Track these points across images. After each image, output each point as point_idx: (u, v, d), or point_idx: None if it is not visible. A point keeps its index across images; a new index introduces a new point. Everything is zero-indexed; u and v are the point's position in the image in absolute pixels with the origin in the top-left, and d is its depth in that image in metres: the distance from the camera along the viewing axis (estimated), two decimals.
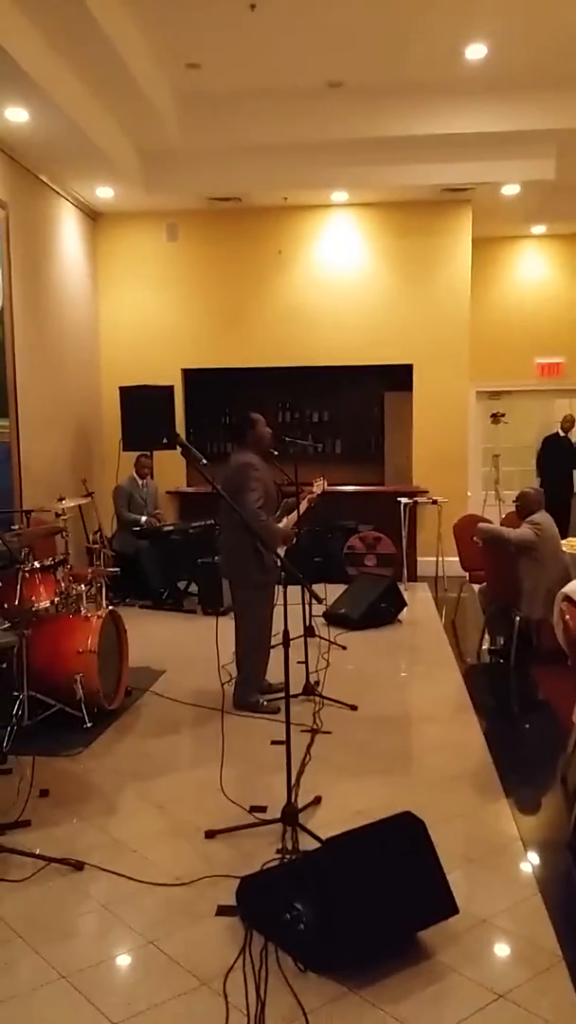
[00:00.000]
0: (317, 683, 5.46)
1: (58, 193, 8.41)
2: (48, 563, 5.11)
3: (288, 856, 3.35)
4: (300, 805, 3.67)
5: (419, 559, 9.42)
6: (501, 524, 7.22)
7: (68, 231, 8.78)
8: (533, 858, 3.46)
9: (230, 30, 6.49)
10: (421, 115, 7.84)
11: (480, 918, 2.98)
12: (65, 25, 5.70)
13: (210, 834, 3.59)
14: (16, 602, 4.77)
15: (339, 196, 9.28)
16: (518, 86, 7.55)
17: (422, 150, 8.21)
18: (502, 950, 2.85)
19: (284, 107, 7.80)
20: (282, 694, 3.78)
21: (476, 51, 6.95)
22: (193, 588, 8.30)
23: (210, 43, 6.72)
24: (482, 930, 2.92)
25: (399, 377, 9.80)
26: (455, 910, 2.87)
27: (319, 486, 5.80)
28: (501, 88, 7.58)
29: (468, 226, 9.45)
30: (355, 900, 2.71)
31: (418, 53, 6.98)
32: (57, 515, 5.84)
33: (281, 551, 5.06)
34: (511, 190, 8.92)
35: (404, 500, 9.04)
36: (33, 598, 4.95)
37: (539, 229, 10.69)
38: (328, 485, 5.99)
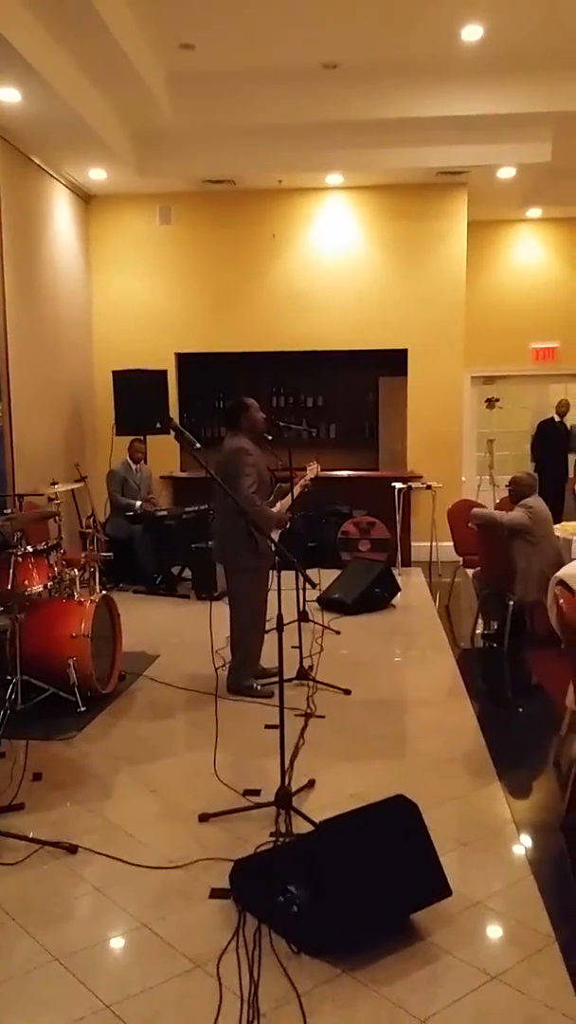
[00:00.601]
0: (311, 667, 5.46)
1: (51, 175, 8.33)
2: (41, 547, 5.10)
3: (282, 839, 3.36)
4: (294, 788, 3.68)
5: (413, 544, 9.43)
6: (495, 509, 7.22)
7: (61, 213, 8.72)
8: (526, 840, 3.47)
9: (224, 10, 6.41)
10: (417, 97, 7.77)
11: (473, 900, 2.99)
12: (58, 4, 5.62)
13: (204, 817, 3.59)
14: (9, 586, 4.75)
15: (334, 179, 9.22)
16: (515, 68, 7.48)
17: (418, 133, 8.15)
18: (495, 932, 2.86)
19: (279, 89, 7.72)
20: (276, 678, 3.78)
21: (472, 32, 6.88)
22: (187, 573, 8.30)
23: (204, 23, 6.65)
24: (475, 912, 2.94)
25: (394, 362, 9.77)
26: (448, 892, 2.88)
27: (312, 470, 5.79)
28: (497, 70, 7.51)
29: (464, 209, 9.40)
30: (348, 882, 2.72)
31: (414, 34, 6.91)
32: (50, 499, 5.82)
33: (275, 536, 5.06)
34: (507, 173, 8.86)
35: (398, 485, 9.03)
36: (26, 582, 4.93)
37: (535, 213, 10.63)
38: (322, 470, 5.98)
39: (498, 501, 8.27)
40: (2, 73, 5.92)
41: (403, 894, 2.83)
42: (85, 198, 9.43)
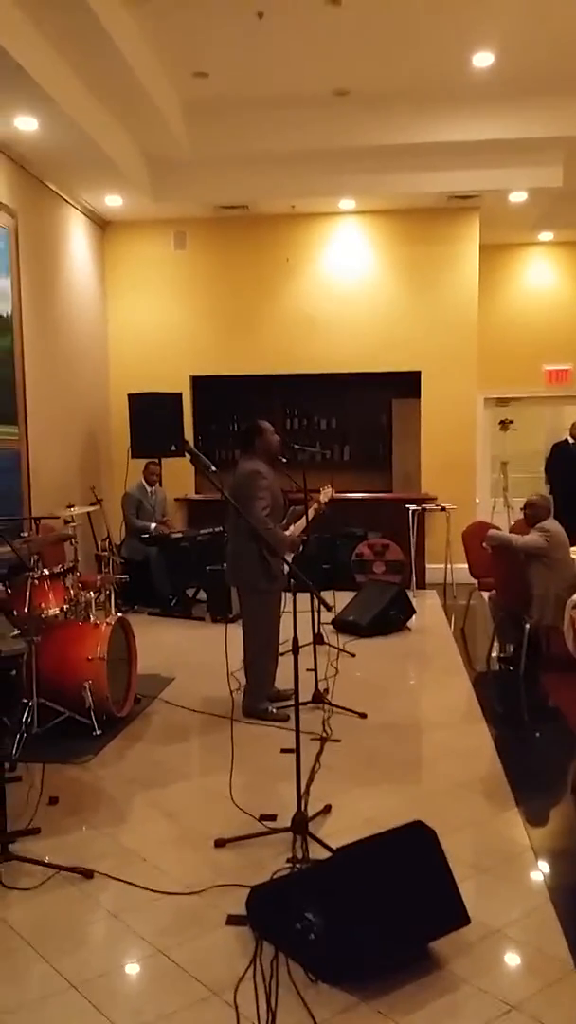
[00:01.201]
0: (326, 691, 5.44)
1: (67, 201, 8.44)
2: (57, 570, 5.12)
3: (298, 865, 3.33)
4: (310, 814, 3.66)
5: (428, 566, 9.40)
6: (510, 531, 7.20)
7: (77, 239, 8.82)
8: (544, 867, 3.44)
9: (238, 39, 6.52)
10: (428, 122, 7.85)
11: (492, 928, 2.96)
12: (74, 34, 5.73)
13: (220, 843, 3.57)
14: (26, 609, 4.77)
15: (346, 204, 9.30)
16: (525, 93, 7.56)
17: (429, 157, 8.22)
18: (514, 960, 2.83)
19: (291, 115, 7.82)
20: (291, 702, 3.77)
21: (483, 59, 6.96)
22: (202, 595, 8.30)
23: (218, 52, 6.75)
24: (494, 940, 2.90)
25: (407, 384, 9.79)
26: (467, 920, 2.85)
27: (326, 494, 5.80)
28: (508, 95, 7.58)
29: (475, 233, 9.45)
30: (366, 910, 2.70)
31: (425, 61, 6.99)
32: (66, 522, 5.85)
33: (288, 558, 5.06)
34: (518, 197, 8.92)
35: (412, 507, 9.02)
36: (42, 605, 4.95)
37: (547, 236, 10.68)
38: (336, 492, 5.98)
39: (513, 524, 8.24)
40: (20, 101, 6.02)
41: (421, 922, 2.81)
42: (101, 224, 9.54)
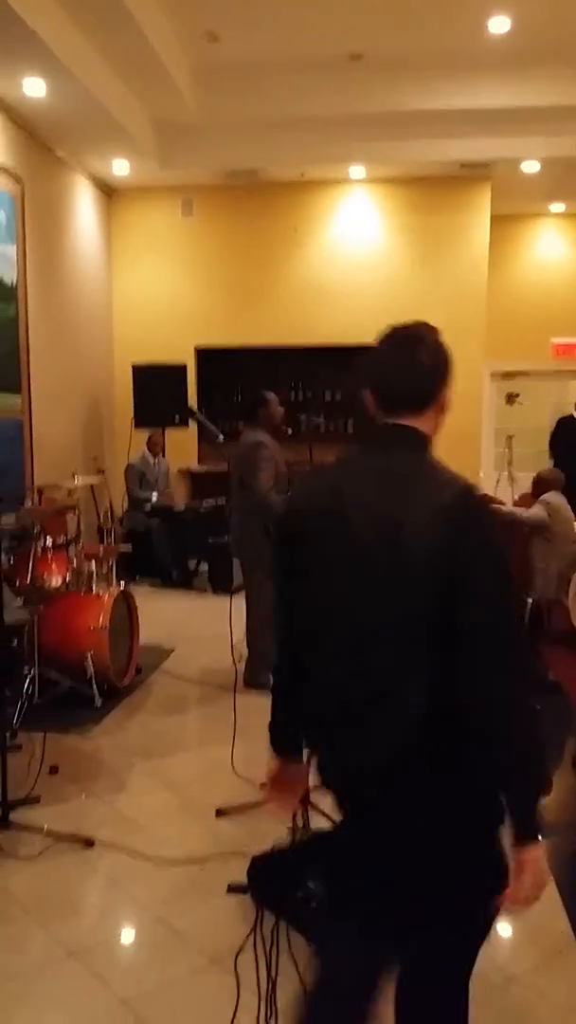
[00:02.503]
0: None
1: (73, 168, 8.33)
2: (60, 541, 5.10)
3: (299, 834, 3.34)
4: (311, 784, 3.65)
5: None
6: (514, 505, 7.16)
7: (83, 206, 8.71)
8: (543, 841, 3.43)
9: (250, 1, 6.38)
10: (441, 89, 7.70)
11: None
12: None
13: (220, 812, 3.58)
14: (28, 579, 4.76)
15: (356, 171, 9.15)
16: (541, 61, 7.39)
17: (441, 125, 8.07)
18: (512, 932, 2.83)
19: (302, 80, 7.68)
20: None
21: (500, 24, 6.79)
22: (204, 567, 8.29)
23: (229, 14, 6.61)
24: None
25: None
26: None
27: None
28: (524, 62, 7.42)
29: (487, 203, 9.32)
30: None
31: (440, 26, 6.84)
32: (69, 492, 5.82)
33: None
34: (531, 167, 8.77)
35: None
36: (45, 575, 4.94)
37: (558, 207, 10.52)
38: None
39: (516, 497, 8.20)
40: (28, 63, 5.91)
41: None
42: (108, 191, 9.43)
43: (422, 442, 1.78)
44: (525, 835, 1.61)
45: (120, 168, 8.63)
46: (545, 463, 10.27)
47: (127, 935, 2.83)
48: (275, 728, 1.93)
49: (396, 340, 1.85)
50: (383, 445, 1.77)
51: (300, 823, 3.42)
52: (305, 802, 3.48)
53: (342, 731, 1.66)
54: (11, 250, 6.80)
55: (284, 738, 1.92)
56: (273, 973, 2.58)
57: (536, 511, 6.11)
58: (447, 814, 1.61)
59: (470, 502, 1.65)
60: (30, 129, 7.12)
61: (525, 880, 1.61)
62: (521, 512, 6.25)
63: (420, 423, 1.79)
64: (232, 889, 3.02)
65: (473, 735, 1.55)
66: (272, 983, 2.54)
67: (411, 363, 1.80)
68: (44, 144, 7.50)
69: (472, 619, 1.52)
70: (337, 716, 1.66)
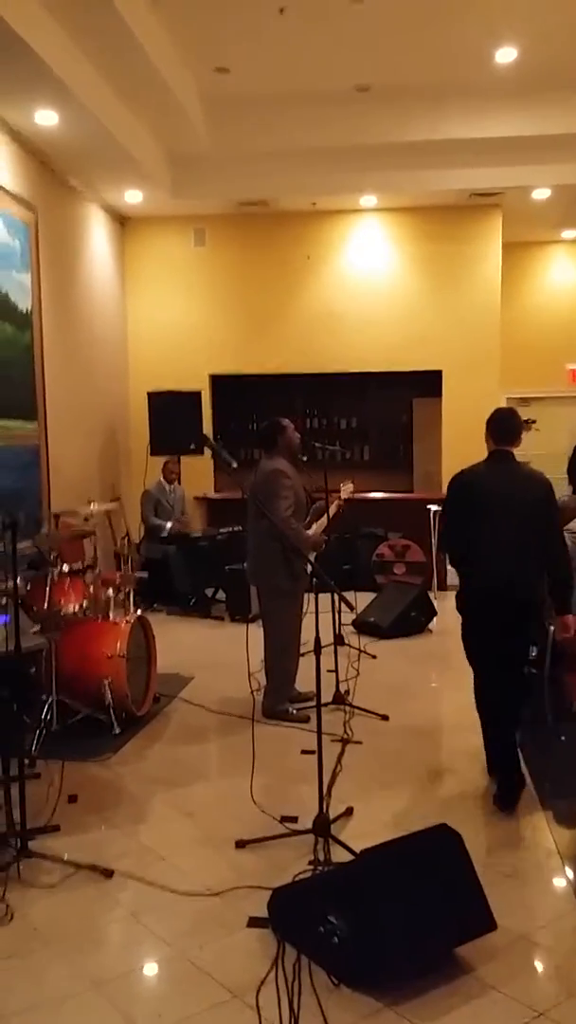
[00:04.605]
0: (347, 692, 5.39)
1: (87, 198, 8.43)
2: (77, 567, 5.09)
3: (321, 867, 3.29)
4: (332, 816, 3.61)
5: (449, 567, 9.31)
6: None
7: (96, 235, 8.81)
8: (571, 872, 3.37)
9: (259, 34, 6.47)
10: (450, 119, 7.78)
11: (518, 933, 2.90)
12: (95, 28, 5.70)
13: (241, 844, 3.53)
14: (45, 606, 4.75)
15: (368, 200, 9.23)
16: (549, 89, 7.47)
17: (451, 154, 8.14)
18: (541, 967, 2.77)
19: (312, 111, 7.77)
20: (311, 703, 3.72)
21: (506, 54, 6.88)
22: (221, 595, 8.26)
23: (239, 47, 6.71)
24: (521, 946, 2.85)
25: (428, 383, 9.71)
26: (493, 925, 2.79)
27: (346, 490, 5.75)
28: (531, 91, 7.49)
29: (498, 231, 9.36)
30: (391, 914, 2.64)
31: (448, 57, 6.92)
32: (85, 519, 5.83)
33: (311, 557, 5.01)
34: (541, 194, 8.83)
35: (433, 507, 8.93)
36: (62, 602, 4.93)
37: (570, 234, 10.57)
38: (356, 492, 5.92)
39: None
40: (41, 95, 6.00)
41: (446, 926, 2.75)
42: (121, 220, 9.53)
43: (513, 456, 4.10)
44: (561, 611, 4.05)
45: (133, 198, 8.73)
46: (563, 488, 10.22)
47: (148, 968, 2.78)
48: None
49: (504, 411, 4.35)
50: (499, 459, 4.11)
51: (321, 856, 3.37)
52: (326, 835, 3.44)
53: (500, 567, 3.90)
54: (26, 278, 6.87)
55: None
56: (295, 1008, 2.53)
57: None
58: (536, 599, 4.02)
59: (544, 479, 4.03)
60: (43, 159, 7.22)
61: (569, 621, 4.05)
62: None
63: (512, 449, 4.10)
64: (253, 923, 2.97)
65: (547, 568, 3.93)
66: (294, 1019, 2.49)
67: (511, 421, 4.22)
68: (57, 174, 7.60)
69: (549, 529, 3.93)
70: (498, 568, 3.90)
